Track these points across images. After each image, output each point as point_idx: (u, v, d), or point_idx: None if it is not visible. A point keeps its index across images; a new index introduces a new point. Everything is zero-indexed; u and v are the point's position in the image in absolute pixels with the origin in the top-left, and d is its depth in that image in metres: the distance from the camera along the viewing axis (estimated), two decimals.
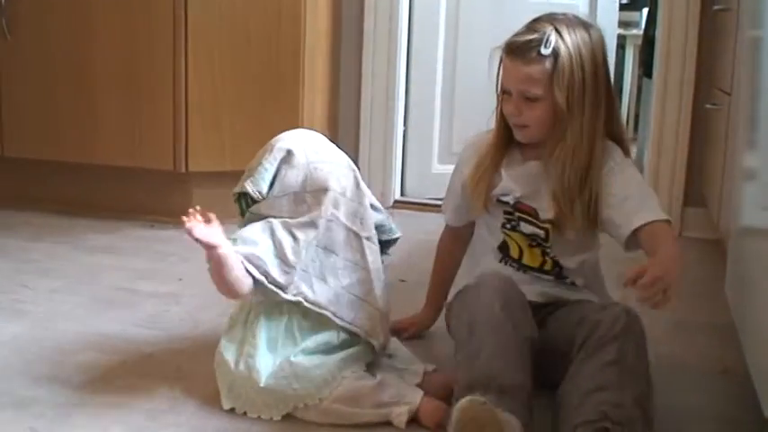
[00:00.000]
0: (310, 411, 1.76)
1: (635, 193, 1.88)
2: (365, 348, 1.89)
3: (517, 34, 1.91)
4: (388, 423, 1.75)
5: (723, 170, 2.77)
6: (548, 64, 1.85)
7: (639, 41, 5.22)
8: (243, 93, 3.34)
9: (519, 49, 1.88)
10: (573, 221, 1.90)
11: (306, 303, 1.82)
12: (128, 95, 3.35)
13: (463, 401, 1.55)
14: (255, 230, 1.84)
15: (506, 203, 1.98)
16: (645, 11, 5.26)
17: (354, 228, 1.87)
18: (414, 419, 1.75)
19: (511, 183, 1.97)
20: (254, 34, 3.31)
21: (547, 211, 1.93)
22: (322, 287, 1.84)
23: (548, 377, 1.76)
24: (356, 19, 3.82)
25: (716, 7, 3.20)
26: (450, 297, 2.07)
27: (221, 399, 1.81)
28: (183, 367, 2.02)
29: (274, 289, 1.80)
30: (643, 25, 5.23)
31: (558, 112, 1.87)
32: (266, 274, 1.79)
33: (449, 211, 2.17)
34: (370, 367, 1.88)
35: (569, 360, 1.74)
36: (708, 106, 3.22)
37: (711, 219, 3.15)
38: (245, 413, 1.78)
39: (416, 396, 1.77)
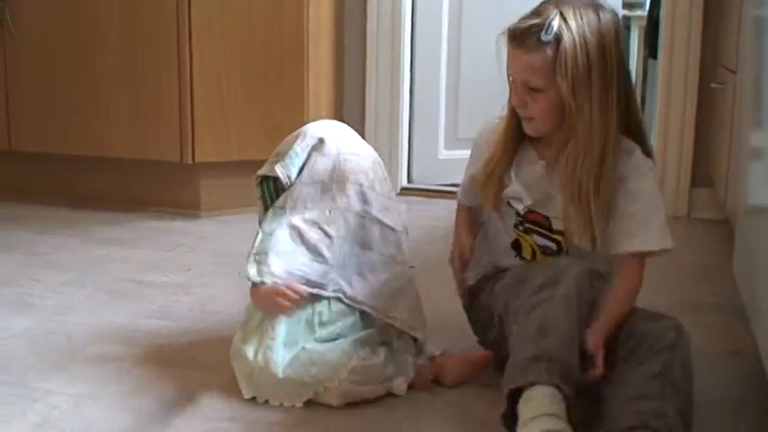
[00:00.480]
0: (330, 394, 1.77)
1: (638, 212, 1.80)
2: (376, 331, 1.89)
3: (521, 19, 1.78)
4: (390, 393, 1.82)
5: (730, 150, 2.76)
6: (549, 51, 1.72)
7: (644, 23, 5.20)
8: (248, 82, 3.34)
9: (519, 36, 1.75)
10: (586, 230, 1.79)
11: (344, 299, 1.85)
12: (133, 87, 3.36)
13: (538, 429, 1.50)
14: (286, 241, 1.86)
15: (516, 210, 1.91)
16: None
17: (388, 222, 1.89)
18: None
19: (520, 187, 1.88)
20: (258, 23, 3.31)
21: (560, 219, 1.84)
22: (360, 282, 1.87)
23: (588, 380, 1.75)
24: (360, 5, 3.82)
25: None
26: (471, 281, 2.03)
27: (241, 388, 1.81)
28: (195, 357, 2.03)
29: (318, 291, 1.84)
30: (647, 6, 5.21)
31: (564, 104, 1.74)
32: (307, 281, 1.83)
33: (461, 189, 2.09)
34: (373, 344, 1.90)
35: (613, 367, 1.71)
36: (713, 85, 3.21)
37: (719, 199, 3.14)
38: (266, 401, 1.79)
39: (410, 367, 1.85)
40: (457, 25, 3.95)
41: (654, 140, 3.65)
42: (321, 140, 1.88)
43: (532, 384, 1.55)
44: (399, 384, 1.82)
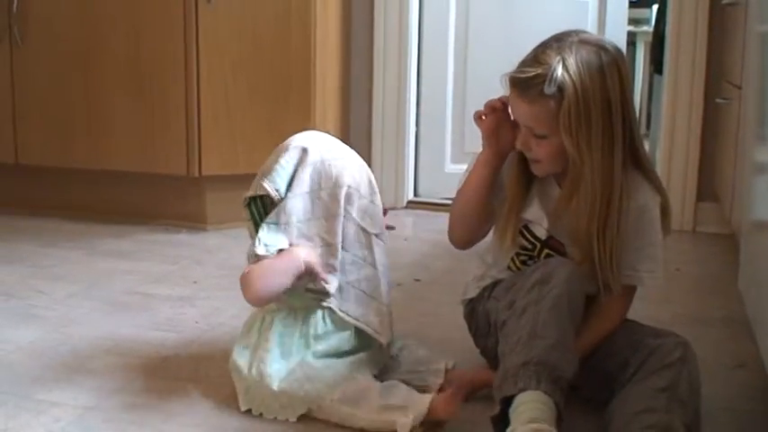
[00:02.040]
0: (323, 411, 1.76)
1: (641, 247, 1.81)
2: (376, 353, 1.90)
3: (523, 64, 1.75)
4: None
5: (735, 165, 2.76)
6: (552, 103, 1.70)
7: (650, 38, 5.21)
8: (255, 96, 3.34)
9: (522, 86, 1.73)
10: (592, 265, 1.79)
11: (338, 311, 1.84)
12: (140, 101, 3.36)
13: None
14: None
15: (535, 237, 1.89)
16: (655, 7, 5.25)
17: (364, 224, 1.88)
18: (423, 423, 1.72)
19: (540, 211, 1.87)
20: (265, 38, 3.32)
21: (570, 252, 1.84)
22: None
23: (594, 394, 1.76)
24: (367, 20, 3.83)
25: (724, 2, 3.20)
26: (472, 293, 2.03)
27: (239, 400, 1.82)
28: (200, 369, 2.03)
29: (323, 284, 1.84)
30: (653, 22, 5.22)
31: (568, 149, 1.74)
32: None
33: None
34: (383, 373, 1.89)
35: (619, 381, 1.72)
36: (718, 101, 3.22)
37: (724, 213, 3.14)
38: (261, 414, 1.79)
39: (424, 403, 1.72)
40: (464, 39, 3.96)
41: (659, 155, 3.66)
42: (305, 150, 1.87)
43: (522, 390, 1.55)
44: (404, 425, 1.68)
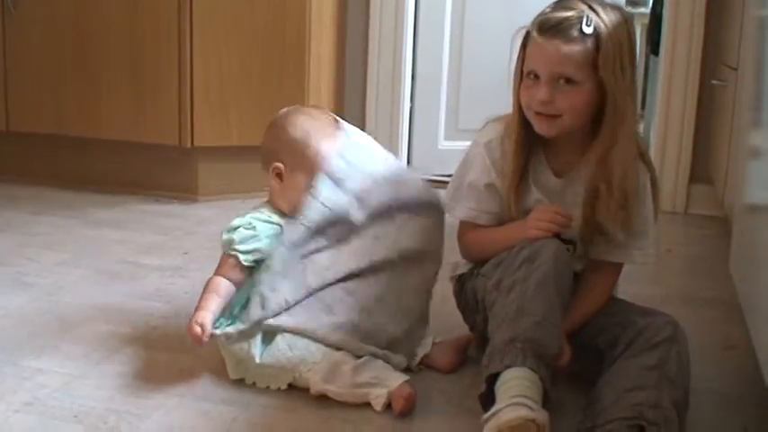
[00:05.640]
0: (303, 381, 1.77)
1: (635, 225, 1.80)
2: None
3: (548, 12, 1.72)
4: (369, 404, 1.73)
5: (729, 147, 2.76)
6: (590, 44, 1.67)
7: (647, 20, 5.20)
8: (248, 67, 3.33)
9: (557, 27, 1.69)
10: (598, 246, 1.81)
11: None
12: (133, 69, 3.35)
13: (511, 415, 1.47)
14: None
15: None
16: None
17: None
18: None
19: (541, 195, 1.83)
20: (260, 8, 3.31)
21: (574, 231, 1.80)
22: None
23: (583, 371, 1.76)
24: None
25: None
26: (462, 269, 2.03)
27: (228, 371, 1.82)
28: (188, 340, 2.02)
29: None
30: (650, 3, 5.21)
31: (593, 102, 1.71)
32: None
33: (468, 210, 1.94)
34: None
35: (608, 359, 1.72)
36: (714, 82, 3.21)
37: (717, 196, 3.14)
38: (253, 384, 1.79)
39: (397, 381, 1.73)
40: (459, 16, 3.94)
41: (653, 136, 3.66)
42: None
43: (508, 367, 1.55)
44: (378, 396, 1.70)
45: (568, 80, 1.70)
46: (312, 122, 1.94)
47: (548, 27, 1.70)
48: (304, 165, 1.89)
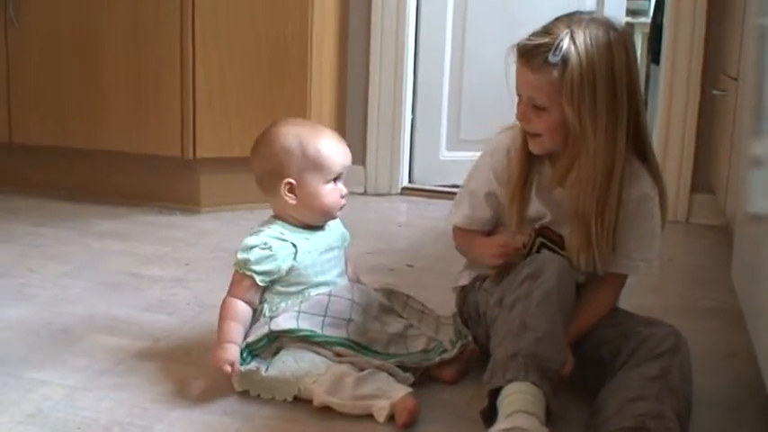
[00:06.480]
0: (307, 393, 1.76)
1: (639, 237, 1.82)
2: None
3: (531, 36, 1.75)
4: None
5: (730, 157, 2.76)
6: (555, 73, 1.69)
7: (647, 30, 5.21)
8: (250, 78, 3.34)
9: (527, 55, 1.73)
10: (587, 253, 1.79)
11: None
12: (135, 81, 3.36)
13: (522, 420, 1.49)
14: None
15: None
16: None
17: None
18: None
19: (541, 206, 1.85)
20: (262, 19, 3.31)
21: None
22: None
23: (585, 381, 1.76)
24: (364, 4, 3.82)
25: None
26: (464, 281, 2.03)
27: (233, 382, 1.81)
28: (191, 351, 2.03)
29: None
30: (651, 13, 5.22)
31: (568, 125, 1.72)
32: None
33: (465, 216, 2.00)
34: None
35: (610, 369, 1.72)
36: (715, 92, 3.21)
37: (718, 205, 3.14)
38: (258, 395, 1.79)
39: (400, 392, 1.71)
40: (461, 26, 3.95)
41: (655, 145, 3.65)
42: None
43: (510, 381, 1.56)
44: (380, 408, 1.69)
45: (537, 105, 1.74)
46: (295, 127, 1.95)
47: (522, 52, 1.74)
48: (310, 166, 1.89)
